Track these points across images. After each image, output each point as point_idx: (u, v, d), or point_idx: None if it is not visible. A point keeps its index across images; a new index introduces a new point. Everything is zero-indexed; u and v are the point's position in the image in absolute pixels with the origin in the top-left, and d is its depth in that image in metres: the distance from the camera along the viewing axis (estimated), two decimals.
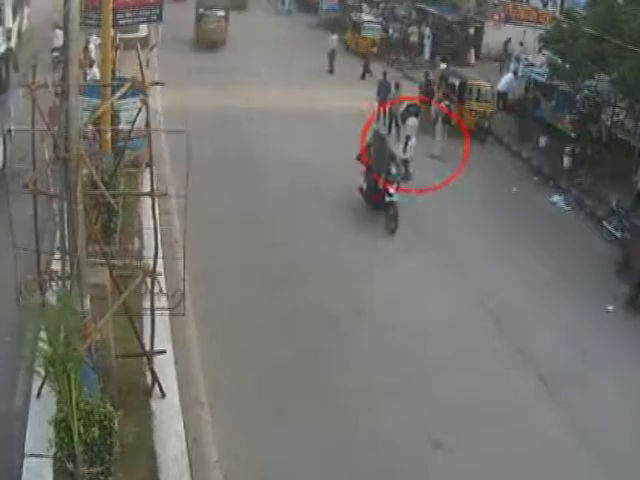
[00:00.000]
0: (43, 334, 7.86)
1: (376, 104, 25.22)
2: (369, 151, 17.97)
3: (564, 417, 11.55)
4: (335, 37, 33.12)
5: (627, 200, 18.77)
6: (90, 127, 12.70)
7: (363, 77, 30.73)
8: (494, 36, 34.17)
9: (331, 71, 31.59)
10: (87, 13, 16.30)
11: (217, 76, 28.06)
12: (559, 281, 15.56)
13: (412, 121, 21.56)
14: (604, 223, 18.32)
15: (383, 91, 26.08)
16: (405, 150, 20.82)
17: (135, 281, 9.99)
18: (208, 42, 33.28)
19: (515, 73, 27.57)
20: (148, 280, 10.13)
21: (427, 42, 35.08)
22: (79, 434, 8.06)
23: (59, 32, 21.96)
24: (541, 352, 12.99)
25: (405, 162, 20.06)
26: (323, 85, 28.60)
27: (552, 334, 13.56)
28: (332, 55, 31.81)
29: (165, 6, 18.13)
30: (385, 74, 26.45)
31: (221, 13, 34.63)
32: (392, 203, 17.05)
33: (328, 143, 21.78)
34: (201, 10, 34.41)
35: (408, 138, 20.97)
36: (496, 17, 33.73)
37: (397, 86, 25.80)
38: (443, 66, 28.94)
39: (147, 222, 14.12)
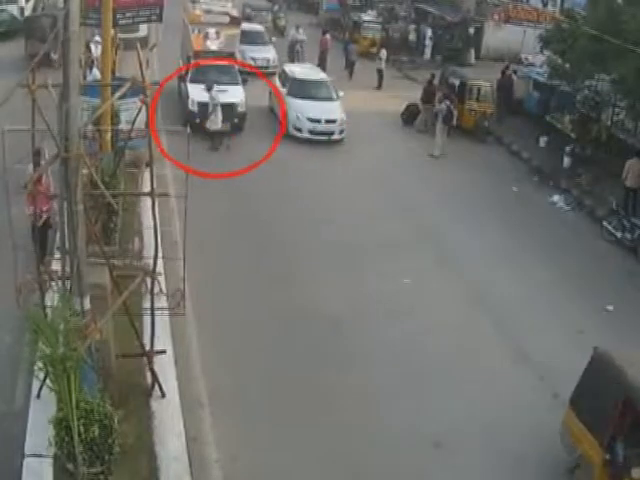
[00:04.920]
0: (42, 334, 7.86)
1: None
2: None
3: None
4: (328, 36, 31.80)
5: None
6: (90, 127, 12.70)
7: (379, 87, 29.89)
8: (494, 36, 34.20)
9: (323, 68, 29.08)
10: (87, 13, 16.31)
11: None
12: (559, 281, 15.56)
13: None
14: (604, 223, 18.33)
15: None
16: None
17: (135, 281, 10.00)
18: None
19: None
20: (148, 280, 10.14)
21: (427, 42, 35.07)
22: (79, 433, 8.05)
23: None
24: (541, 352, 12.98)
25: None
26: None
27: (552, 334, 13.55)
28: (323, 57, 30.55)
29: None
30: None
31: None
32: None
33: None
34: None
35: None
36: (496, 17, 33.83)
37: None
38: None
39: (147, 222, 14.12)
